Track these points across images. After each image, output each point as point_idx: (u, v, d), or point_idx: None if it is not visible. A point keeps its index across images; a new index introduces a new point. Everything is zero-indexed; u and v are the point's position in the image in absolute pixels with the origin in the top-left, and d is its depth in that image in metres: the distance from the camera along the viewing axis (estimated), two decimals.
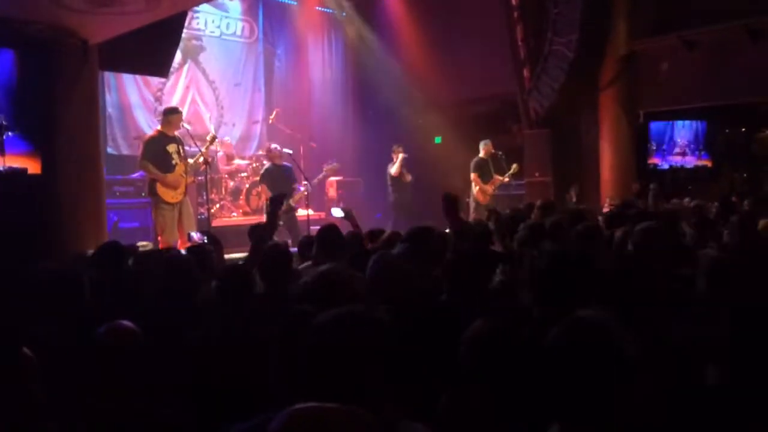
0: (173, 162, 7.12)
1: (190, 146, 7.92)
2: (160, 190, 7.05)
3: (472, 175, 9.76)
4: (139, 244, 6.99)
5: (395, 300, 2.78)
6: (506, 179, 9.88)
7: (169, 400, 2.30)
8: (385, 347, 1.53)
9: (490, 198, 9.73)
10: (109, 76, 9.60)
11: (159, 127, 7.40)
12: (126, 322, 2.39)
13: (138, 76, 10.06)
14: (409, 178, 10.30)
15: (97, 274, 3.50)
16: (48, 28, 6.17)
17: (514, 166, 9.86)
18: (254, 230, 4.54)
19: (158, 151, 7.10)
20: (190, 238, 6.75)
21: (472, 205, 9.79)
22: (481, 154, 9.85)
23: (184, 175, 7.20)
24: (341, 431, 1.16)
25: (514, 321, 2.22)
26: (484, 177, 9.78)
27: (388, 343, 1.54)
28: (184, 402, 2.32)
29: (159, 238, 7.13)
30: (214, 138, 8.00)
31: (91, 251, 4.46)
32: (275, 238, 7.79)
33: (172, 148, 7.18)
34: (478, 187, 9.74)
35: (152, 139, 7.27)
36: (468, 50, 11.05)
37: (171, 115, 7.32)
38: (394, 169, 10.14)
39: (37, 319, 2.69)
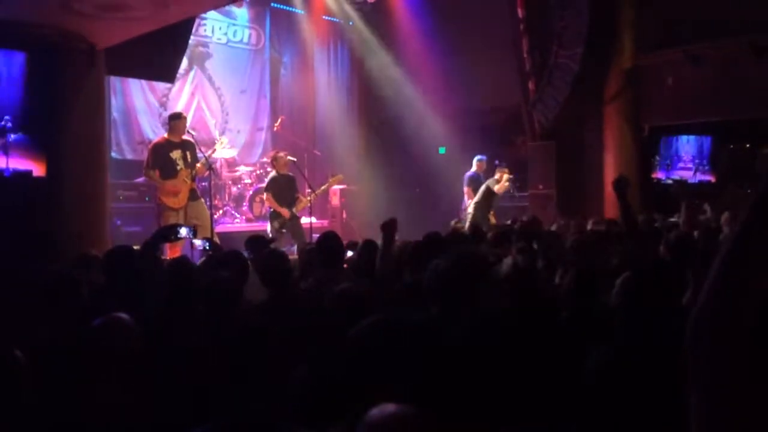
0: (177, 167, 7.32)
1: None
2: (162, 196, 7.30)
3: (465, 189, 9.87)
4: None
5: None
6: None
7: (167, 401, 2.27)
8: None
9: None
10: (114, 81, 9.61)
11: (165, 134, 7.62)
12: (122, 315, 2.28)
13: (143, 81, 10.09)
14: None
15: (105, 277, 3.50)
16: (57, 32, 6.21)
17: (505, 177, 9.70)
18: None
19: (162, 157, 7.31)
20: (192, 245, 6.79)
21: (465, 217, 9.79)
22: (474, 168, 9.91)
23: (186, 181, 7.34)
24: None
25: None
26: (476, 192, 9.82)
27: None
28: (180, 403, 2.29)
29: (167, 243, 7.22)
30: (223, 141, 8.20)
31: (93, 254, 4.44)
32: (275, 245, 7.81)
33: (176, 154, 7.37)
34: (471, 201, 9.77)
35: (156, 145, 7.51)
36: (473, 62, 11.07)
37: (174, 120, 7.55)
38: (497, 187, 9.59)
39: (33, 321, 2.67)
